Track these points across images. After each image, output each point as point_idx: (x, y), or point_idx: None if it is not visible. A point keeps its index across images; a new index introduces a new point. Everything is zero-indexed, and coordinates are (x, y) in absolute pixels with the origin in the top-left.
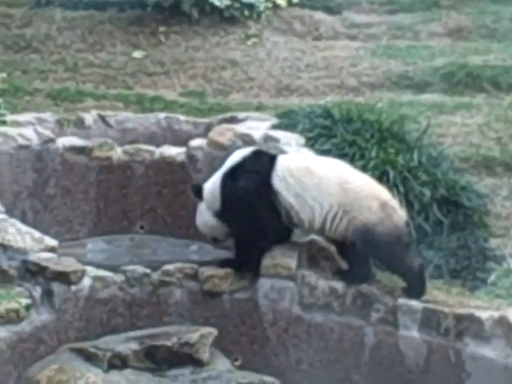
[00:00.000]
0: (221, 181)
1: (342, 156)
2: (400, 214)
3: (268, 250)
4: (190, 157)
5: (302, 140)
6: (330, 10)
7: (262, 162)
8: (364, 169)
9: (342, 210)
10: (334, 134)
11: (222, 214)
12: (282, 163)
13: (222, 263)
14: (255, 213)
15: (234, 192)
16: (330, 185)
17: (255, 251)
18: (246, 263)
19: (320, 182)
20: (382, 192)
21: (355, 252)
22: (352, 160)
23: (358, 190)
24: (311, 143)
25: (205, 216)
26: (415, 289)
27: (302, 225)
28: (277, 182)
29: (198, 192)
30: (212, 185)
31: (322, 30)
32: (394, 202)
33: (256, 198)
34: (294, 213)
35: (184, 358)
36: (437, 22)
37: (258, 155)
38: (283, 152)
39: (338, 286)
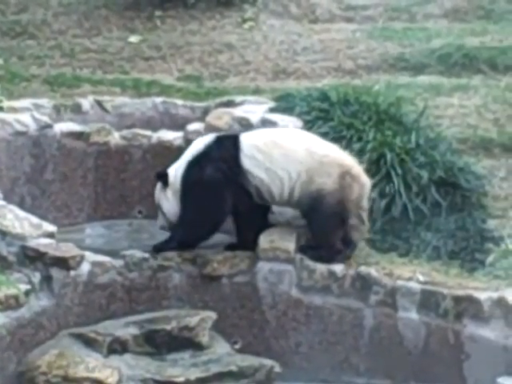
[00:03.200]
0: (184, 168)
1: (339, 139)
2: (362, 183)
3: (266, 233)
4: (188, 141)
5: (299, 123)
6: None
7: (227, 147)
8: (361, 151)
9: (308, 176)
10: (331, 116)
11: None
12: (247, 142)
13: (158, 247)
14: (212, 203)
15: (197, 180)
16: (298, 152)
17: (196, 238)
18: (183, 240)
19: (287, 151)
20: (346, 160)
21: None
22: (349, 142)
23: (322, 154)
24: (309, 126)
25: (174, 203)
26: (322, 257)
27: (273, 199)
28: (246, 162)
29: (164, 178)
30: (175, 171)
31: (319, 12)
32: (356, 170)
33: (220, 188)
34: (264, 188)
35: (183, 341)
36: (433, 4)
37: (221, 141)
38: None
39: (337, 268)
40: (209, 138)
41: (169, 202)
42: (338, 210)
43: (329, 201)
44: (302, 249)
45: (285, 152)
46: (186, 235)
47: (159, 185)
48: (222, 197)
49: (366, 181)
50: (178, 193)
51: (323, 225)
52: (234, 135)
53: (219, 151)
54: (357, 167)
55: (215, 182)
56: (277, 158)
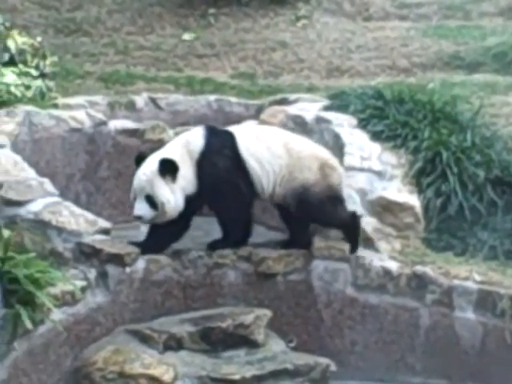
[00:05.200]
0: (196, 166)
1: (394, 137)
2: (339, 172)
3: (321, 232)
4: None
5: (353, 121)
6: None
7: (225, 138)
8: (417, 150)
9: (288, 172)
10: (386, 115)
11: (197, 197)
12: (239, 134)
13: (213, 245)
14: (238, 190)
15: (217, 176)
16: (277, 147)
17: (242, 225)
18: (237, 238)
19: (269, 146)
20: (322, 152)
21: (295, 218)
22: (404, 141)
23: (299, 150)
24: (363, 124)
25: (180, 199)
26: (350, 238)
27: (263, 191)
28: (244, 152)
29: (172, 169)
30: (185, 169)
31: (372, 10)
32: (332, 161)
33: (235, 174)
34: (257, 181)
35: (239, 339)
36: (488, 2)
37: (215, 132)
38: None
39: (393, 267)
40: (199, 131)
41: (175, 195)
42: (326, 192)
43: (315, 190)
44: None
45: (268, 146)
46: (237, 230)
47: (155, 173)
48: (240, 180)
49: (342, 171)
50: (188, 190)
51: (320, 211)
52: (223, 129)
53: (220, 142)
54: (332, 159)
55: (231, 171)
56: (262, 152)
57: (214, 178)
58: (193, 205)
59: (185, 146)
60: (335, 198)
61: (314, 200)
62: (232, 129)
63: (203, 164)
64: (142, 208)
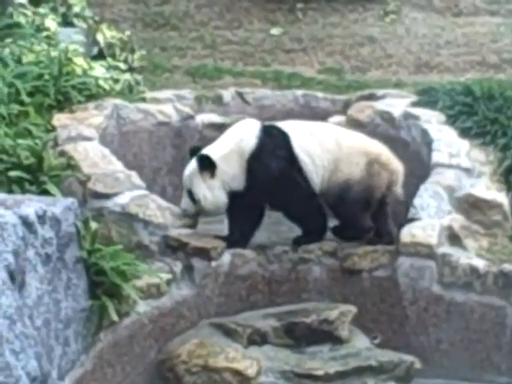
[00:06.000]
0: (247, 166)
1: (483, 134)
2: (392, 168)
3: (407, 227)
4: None
5: (442, 117)
6: None
7: (278, 137)
8: (506, 147)
9: (335, 166)
10: (475, 111)
11: (245, 194)
12: (291, 130)
13: (298, 240)
14: (297, 185)
15: (270, 177)
16: (329, 142)
17: (315, 218)
18: (317, 232)
19: (321, 141)
20: (374, 148)
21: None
22: (494, 138)
23: (350, 145)
24: (452, 121)
25: (218, 194)
26: (352, 237)
27: (315, 187)
28: (297, 148)
29: (210, 165)
30: (230, 168)
31: (462, 5)
32: (385, 157)
33: (290, 171)
34: (309, 176)
35: (323, 335)
36: None
37: (269, 131)
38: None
39: (480, 265)
40: (254, 127)
41: (212, 191)
42: (365, 195)
43: (356, 189)
44: (333, 231)
45: (318, 141)
46: (313, 224)
47: (195, 169)
48: (296, 176)
49: (397, 167)
50: (233, 185)
51: (350, 211)
52: (277, 127)
53: (274, 143)
54: (386, 154)
55: (285, 170)
56: (314, 148)
57: (267, 180)
58: (244, 199)
59: (237, 143)
60: (369, 204)
61: (350, 199)
62: (286, 125)
63: (254, 164)
64: (185, 202)
